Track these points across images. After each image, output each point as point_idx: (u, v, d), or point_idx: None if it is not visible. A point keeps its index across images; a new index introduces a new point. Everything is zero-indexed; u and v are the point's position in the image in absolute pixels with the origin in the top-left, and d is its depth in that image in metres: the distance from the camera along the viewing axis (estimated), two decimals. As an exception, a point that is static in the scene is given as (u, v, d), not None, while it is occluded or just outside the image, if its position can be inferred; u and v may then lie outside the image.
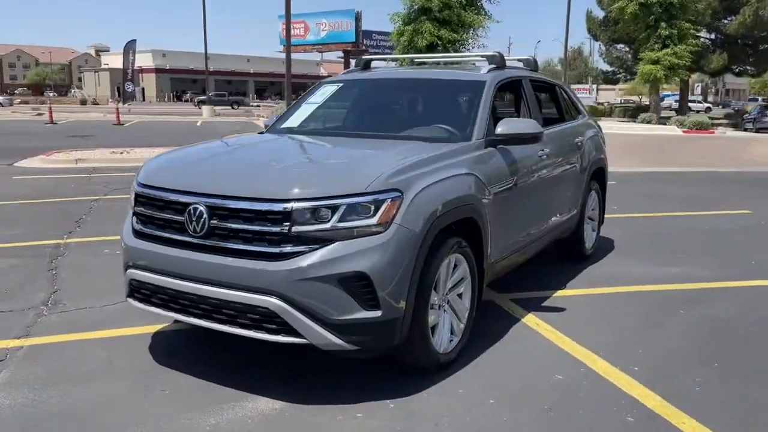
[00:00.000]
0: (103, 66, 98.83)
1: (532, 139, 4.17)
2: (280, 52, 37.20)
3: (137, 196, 3.59)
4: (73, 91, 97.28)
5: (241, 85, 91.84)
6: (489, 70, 4.67)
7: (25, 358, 3.78)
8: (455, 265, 3.68)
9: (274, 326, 3.12)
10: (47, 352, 3.87)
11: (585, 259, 6.02)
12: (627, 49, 42.46)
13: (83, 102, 62.68)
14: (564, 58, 42.83)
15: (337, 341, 3.09)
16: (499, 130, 4.11)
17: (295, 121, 4.83)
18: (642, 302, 4.90)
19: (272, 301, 3.06)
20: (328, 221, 3.07)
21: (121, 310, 4.42)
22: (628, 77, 45.27)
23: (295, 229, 3.06)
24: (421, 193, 3.30)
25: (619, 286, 5.27)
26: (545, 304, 4.79)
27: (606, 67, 47.79)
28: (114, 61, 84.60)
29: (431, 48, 16.70)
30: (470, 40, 17.36)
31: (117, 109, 30.13)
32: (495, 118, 4.40)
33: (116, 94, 57.54)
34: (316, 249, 3.05)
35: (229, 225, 3.18)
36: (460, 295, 3.80)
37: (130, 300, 3.63)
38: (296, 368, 3.62)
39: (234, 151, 4.04)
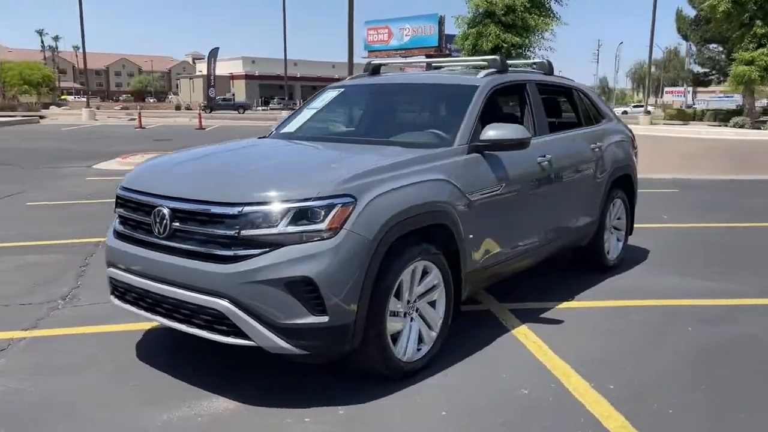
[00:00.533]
0: (197, 73, 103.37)
1: (519, 144, 4.05)
2: (365, 57, 37.90)
3: (117, 198, 3.77)
4: (170, 97, 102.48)
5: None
6: (486, 75, 4.57)
7: (24, 349, 4.04)
8: (425, 272, 3.63)
9: (224, 328, 3.19)
10: (45, 344, 4.11)
11: (607, 269, 5.77)
12: (720, 49, 40.23)
13: (178, 107, 66.01)
14: (648, 59, 41.00)
15: (284, 345, 3.12)
16: (483, 136, 4.02)
17: (294, 125, 4.91)
18: (652, 317, 4.65)
19: (222, 303, 3.13)
20: (277, 225, 3.11)
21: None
22: (721, 79, 42.87)
23: (245, 232, 3.12)
24: (378, 199, 3.28)
25: (633, 299, 5.02)
26: (544, 315, 4.63)
27: (698, 69, 45.46)
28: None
29: (495, 51, 16.48)
30: (536, 44, 16.99)
31: (199, 114, 31.50)
32: (489, 122, 4.31)
33: (206, 99, 60.08)
34: (265, 253, 3.10)
35: (187, 227, 3.28)
36: (433, 303, 3.75)
37: (112, 298, 3.80)
38: (266, 368, 3.66)
39: (210, 156, 4.15)
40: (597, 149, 5.38)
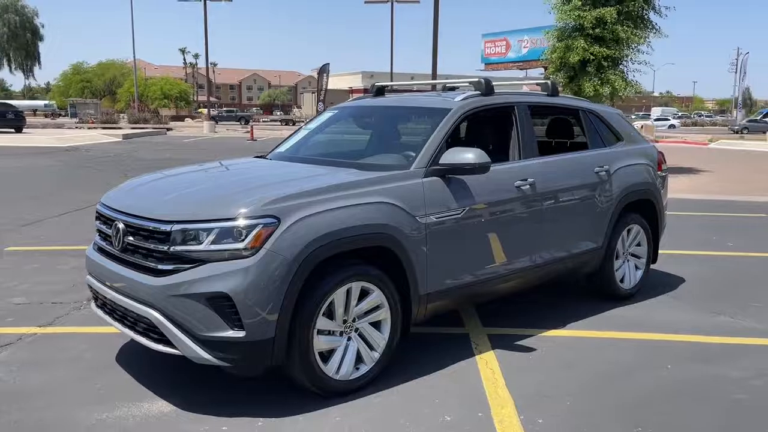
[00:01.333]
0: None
1: (478, 169, 4.03)
2: (481, 70, 37.75)
3: (96, 212, 4.15)
4: (293, 110, 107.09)
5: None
6: (464, 98, 4.56)
7: (29, 344, 4.51)
8: (366, 293, 3.70)
9: (156, 336, 3.44)
10: (48, 341, 4.57)
11: (622, 298, 5.51)
12: None
13: (284, 121, 68.83)
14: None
15: (206, 356, 3.32)
16: (442, 159, 4.04)
17: (287, 145, 5.12)
18: (633, 352, 4.41)
19: (152, 313, 3.39)
20: (202, 243, 3.32)
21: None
22: None
23: (174, 248, 3.37)
24: (302, 220, 3.41)
25: (628, 332, 4.78)
26: (520, 342, 4.52)
27: None
28: (331, 82, 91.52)
29: (584, 64, 15.97)
30: (630, 56, 16.22)
31: (251, 126, 33.35)
32: (463, 145, 4.32)
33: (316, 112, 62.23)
34: (190, 268, 3.33)
35: (134, 241, 3.58)
36: (377, 324, 3.80)
37: (90, 304, 4.18)
38: (223, 379, 3.85)
39: (171, 177, 4.39)
40: (603, 172, 5.17)
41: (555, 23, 16.67)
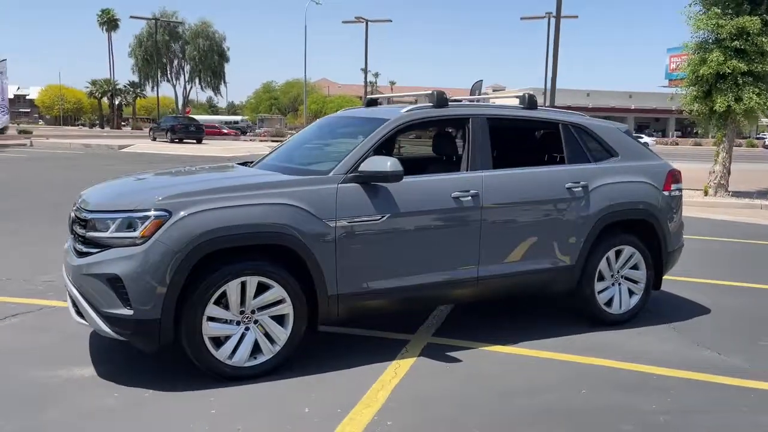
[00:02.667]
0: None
1: (390, 177, 4.17)
2: (665, 86, 35.60)
3: None
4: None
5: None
6: (409, 110, 4.66)
7: (39, 314, 5.31)
8: (264, 288, 3.97)
9: (76, 309, 4.01)
10: (56, 313, 5.35)
11: (610, 323, 5.19)
12: None
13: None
14: None
15: (106, 329, 3.81)
16: (360, 167, 4.21)
17: (273, 153, 5.51)
18: (561, 374, 4.22)
19: (72, 289, 3.95)
20: (108, 231, 3.83)
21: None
22: None
23: (89, 234, 3.91)
24: (193, 215, 3.78)
25: (578, 355, 4.54)
26: (453, 353, 4.48)
27: None
28: (501, 99, 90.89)
29: (720, 78, 14.63)
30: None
31: None
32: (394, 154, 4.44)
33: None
34: (99, 252, 3.85)
35: (76, 228, 4.17)
36: (280, 318, 4.06)
37: None
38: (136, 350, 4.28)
39: (142, 176, 4.91)
40: (578, 188, 4.94)
41: (691, 35, 15.46)
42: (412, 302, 4.61)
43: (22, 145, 31.89)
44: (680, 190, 5.59)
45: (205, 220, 3.80)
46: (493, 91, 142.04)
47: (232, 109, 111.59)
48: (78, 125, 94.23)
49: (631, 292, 5.33)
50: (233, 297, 3.92)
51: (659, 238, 5.34)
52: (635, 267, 5.31)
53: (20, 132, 41.88)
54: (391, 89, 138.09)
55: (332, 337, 4.81)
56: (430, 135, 5.30)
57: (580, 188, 4.97)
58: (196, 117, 52.93)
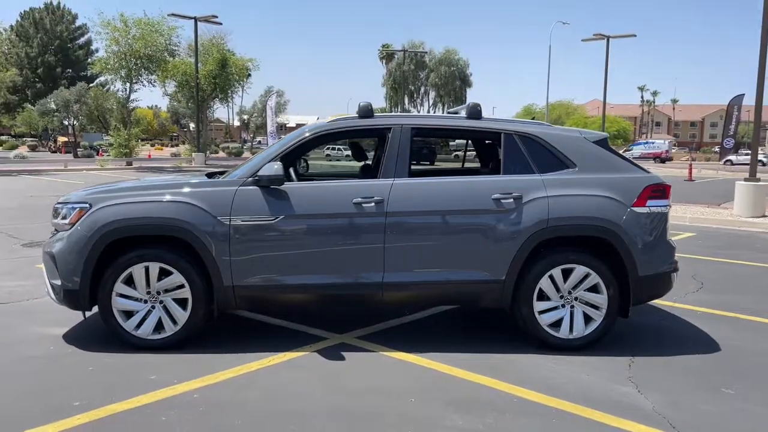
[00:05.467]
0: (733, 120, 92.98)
1: (275, 181, 4.57)
2: None
3: None
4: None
5: None
6: (333, 120, 4.95)
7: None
8: (166, 273, 4.63)
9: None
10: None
11: (558, 348, 4.79)
12: None
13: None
14: None
15: (53, 295, 4.80)
16: (259, 172, 4.65)
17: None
18: (417, 382, 4.14)
19: (43, 263, 5.05)
20: (57, 218, 4.85)
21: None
22: None
23: (52, 221, 4.96)
24: (106, 208, 4.61)
25: (475, 374, 4.34)
26: (346, 353, 4.64)
27: None
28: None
29: None
30: None
31: (690, 164, 29.84)
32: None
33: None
34: (55, 234, 4.87)
35: None
36: (181, 302, 4.68)
37: None
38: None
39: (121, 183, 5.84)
40: (507, 200, 4.70)
41: None
42: (315, 300, 4.85)
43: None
44: (664, 206, 4.90)
45: (111, 212, 4.60)
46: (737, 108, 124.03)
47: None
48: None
49: (588, 317, 4.84)
50: (139, 279, 4.65)
51: (624, 260, 4.77)
52: (594, 290, 4.81)
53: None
54: (673, 108, 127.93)
55: (259, 325, 5.34)
56: (354, 143, 5.46)
57: (511, 200, 4.72)
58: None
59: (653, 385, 4.18)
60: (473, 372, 4.34)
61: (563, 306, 4.83)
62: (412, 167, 4.92)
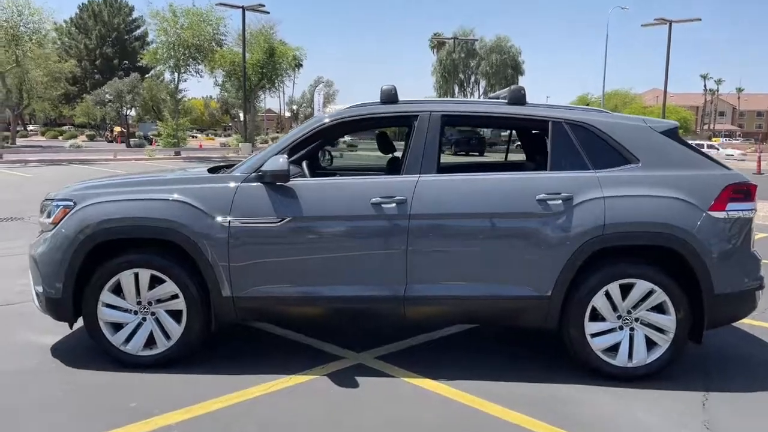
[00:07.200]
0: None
1: (281, 177, 3.94)
2: None
3: None
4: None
5: None
6: (350, 107, 4.27)
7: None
8: (158, 281, 4.05)
9: None
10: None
11: (611, 377, 4.03)
12: None
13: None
14: None
15: (36, 302, 4.27)
16: (263, 166, 4.02)
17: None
18: (442, 416, 3.44)
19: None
20: (42, 216, 4.32)
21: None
22: None
23: (39, 219, 4.44)
24: (91, 206, 4.05)
25: (504, 407, 3.62)
26: (362, 378, 3.98)
27: None
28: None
29: None
30: None
31: (758, 156, 27.83)
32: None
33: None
34: (39, 235, 4.35)
35: None
36: (177, 315, 4.09)
37: None
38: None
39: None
40: (556, 201, 3.94)
41: None
42: (325, 315, 4.21)
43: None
44: (748, 210, 4.05)
45: (95, 212, 4.03)
46: None
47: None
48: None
49: (651, 342, 4.04)
50: (128, 287, 4.07)
51: (698, 275, 3.95)
52: (659, 309, 4.02)
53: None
54: (738, 97, 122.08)
55: (267, 338, 4.73)
56: (377, 133, 4.75)
57: (559, 201, 3.95)
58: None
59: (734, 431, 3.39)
60: (507, 407, 3.61)
61: (621, 328, 4.05)
62: (447, 161, 4.21)
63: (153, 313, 4.12)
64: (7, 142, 39.04)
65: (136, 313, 4.13)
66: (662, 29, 36.53)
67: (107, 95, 44.80)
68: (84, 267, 4.05)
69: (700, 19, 36.77)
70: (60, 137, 56.51)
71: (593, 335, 4.03)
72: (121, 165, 24.80)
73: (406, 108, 4.27)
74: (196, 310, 4.05)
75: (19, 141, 45.11)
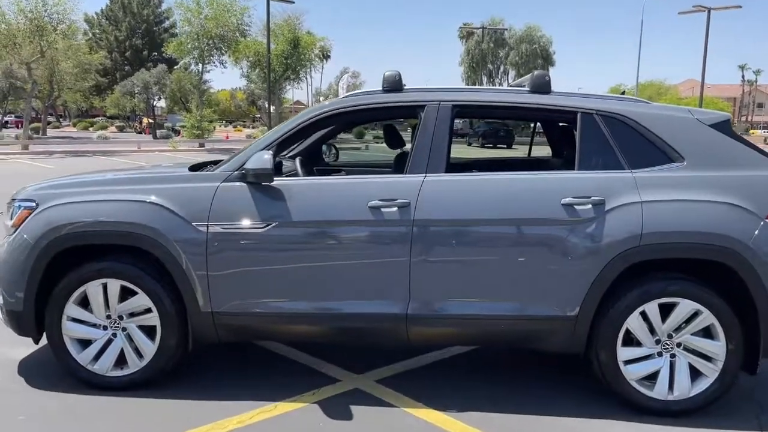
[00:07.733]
0: None
1: (262, 176, 3.40)
2: None
3: None
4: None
5: None
6: (348, 96, 3.74)
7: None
8: (130, 293, 3.59)
9: None
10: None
11: (653, 412, 3.46)
12: None
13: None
14: None
15: (1, 315, 3.83)
16: (246, 164, 3.51)
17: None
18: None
19: None
20: (7, 218, 3.87)
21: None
22: None
23: (4, 221, 4.00)
24: (50, 209, 3.58)
25: None
26: (358, 407, 3.46)
27: None
28: None
29: None
30: None
31: None
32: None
33: None
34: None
35: None
36: (151, 331, 3.62)
37: None
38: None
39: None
40: (585, 206, 3.36)
41: None
42: (316, 334, 3.69)
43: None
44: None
45: (58, 214, 3.56)
46: None
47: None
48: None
49: (696, 372, 3.45)
50: (95, 299, 3.61)
51: (753, 294, 3.34)
52: (706, 334, 3.42)
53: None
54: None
55: (256, 354, 4.25)
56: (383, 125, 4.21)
57: (589, 206, 3.37)
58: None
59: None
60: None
61: (660, 354, 3.46)
62: (462, 156, 3.65)
63: (124, 329, 3.65)
64: (38, 133, 39.35)
65: (105, 328, 3.66)
66: (699, 17, 35.19)
67: (135, 86, 44.84)
68: (48, 276, 3.59)
69: (740, 7, 35.27)
70: (90, 128, 56.89)
71: (627, 362, 3.45)
72: (142, 156, 24.58)
73: (412, 97, 3.72)
74: (172, 326, 3.57)
75: (51, 132, 45.48)
